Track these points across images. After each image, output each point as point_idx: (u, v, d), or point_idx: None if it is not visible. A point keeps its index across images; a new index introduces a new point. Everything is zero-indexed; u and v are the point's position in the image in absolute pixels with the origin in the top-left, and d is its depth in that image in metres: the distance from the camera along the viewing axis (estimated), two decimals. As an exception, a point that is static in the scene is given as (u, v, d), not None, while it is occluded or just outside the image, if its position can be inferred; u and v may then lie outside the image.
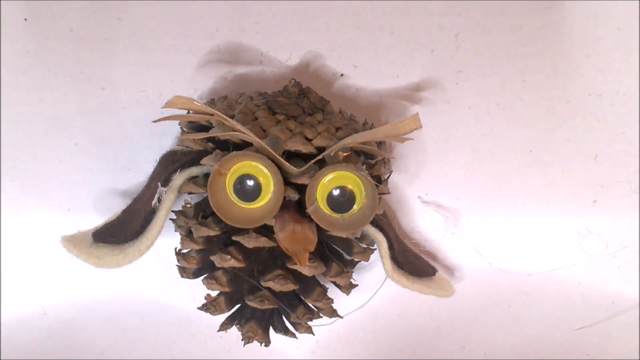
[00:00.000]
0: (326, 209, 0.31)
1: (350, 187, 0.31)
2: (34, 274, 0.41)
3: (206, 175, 0.33)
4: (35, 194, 0.40)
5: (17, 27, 0.38)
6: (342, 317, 0.37)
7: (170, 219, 0.35)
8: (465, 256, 0.42)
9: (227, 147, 0.32)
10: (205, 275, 0.35)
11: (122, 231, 0.34)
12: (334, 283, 0.36)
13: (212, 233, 0.33)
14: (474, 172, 0.41)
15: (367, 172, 0.31)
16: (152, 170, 0.36)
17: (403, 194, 0.41)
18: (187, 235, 0.34)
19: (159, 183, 0.33)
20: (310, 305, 0.35)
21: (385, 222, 0.36)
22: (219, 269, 0.34)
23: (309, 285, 0.34)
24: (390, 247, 0.35)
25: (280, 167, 0.30)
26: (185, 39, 0.38)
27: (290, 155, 0.32)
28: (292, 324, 0.36)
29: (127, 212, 0.35)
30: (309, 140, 0.32)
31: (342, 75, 0.40)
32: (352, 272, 0.36)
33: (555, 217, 0.42)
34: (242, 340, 0.35)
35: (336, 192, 0.31)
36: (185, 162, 0.33)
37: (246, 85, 0.39)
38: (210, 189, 0.30)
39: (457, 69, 0.40)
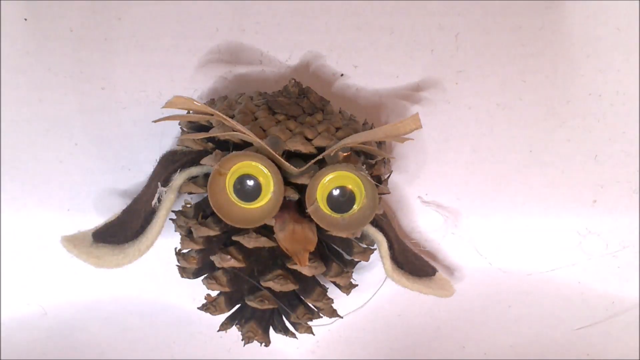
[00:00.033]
0: (326, 209, 0.31)
1: (350, 187, 0.31)
2: (34, 274, 0.41)
3: (206, 175, 0.33)
4: (35, 194, 0.40)
5: (17, 27, 0.38)
6: (342, 317, 0.37)
7: (170, 219, 0.35)
8: (465, 256, 0.42)
9: (227, 147, 0.32)
10: (205, 275, 0.35)
11: (122, 231, 0.34)
12: (334, 283, 0.36)
13: (212, 233, 0.33)
14: (474, 172, 0.41)
15: (367, 172, 0.31)
16: (152, 170, 0.36)
17: (403, 194, 0.41)
18: (187, 235, 0.34)
19: (159, 183, 0.33)
20: (310, 305, 0.35)
21: (385, 222, 0.36)
22: (219, 269, 0.34)
23: (309, 285, 0.34)
24: (390, 247, 0.35)
25: (280, 167, 0.30)
26: (185, 39, 0.38)
27: (290, 155, 0.32)
28: (292, 324, 0.36)
29: (127, 212, 0.35)
30: (309, 140, 0.32)
31: (342, 75, 0.40)
32: (352, 272, 0.36)
33: (555, 217, 0.42)
34: (242, 340, 0.35)
35: (336, 192, 0.31)
36: (185, 162, 0.33)
37: (246, 85, 0.39)
38: (210, 189, 0.30)
39: (457, 69, 0.40)
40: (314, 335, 0.36)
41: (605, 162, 0.41)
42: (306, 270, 0.33)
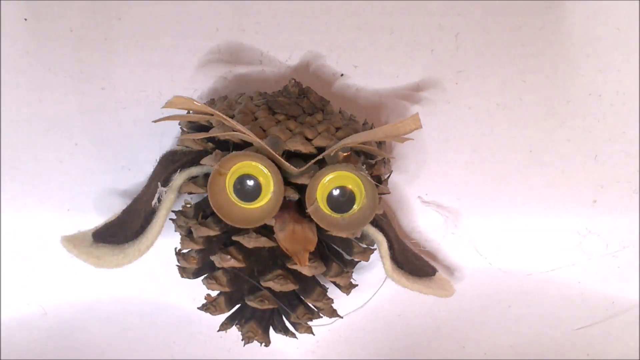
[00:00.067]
0: (326, 209, 0.31)
1: (350, 187, 0.31)
2: (34, 274, 0.41)
3: (206, 175, 0.33)
4: (35, 194, 0.40)
5: (17, 27, 0.38)
6: (342, 317, 0.37)
7: (170, 219, 0.35)
8: (465, 256, 0.42)
9: (227, 147, 0.32)
10: (205, 275, 0.35)
11: (122, 231, 0.34)
12: (334, 283, 0.36)
13: (212, 233, 0.33)
14: (474, 172, 0.41)
15: (367, 172, 0.31)
16: (152, 170, 0.36)
17: (403, 194, 0.41)
18: (187, 235, 0.34)
19: (159, 183, 0.33)
20: (310, 305, 0.35)
21: (385, 222, 0.36)
22: (219, 269, 0.34)
23: (309, 285, 0.34)
24: (390, 247, 0.35)
25: (280, 167, 0.30)
26: (185, 39, 0.38)
27: (290, 155, 0.32)
28: (292, 324, 0.36)
29: (127, 212, 0.35)
30: (309, 140, 0.32)
31: (342, 75, 0.40)
32: (352, 272, 0.36)
33: (555, 217, 0.42)
34: (242, 340, 0.35)
35: (336, 192, 0.31)
36: (185, 162, 0.33)
37: (246, 85, 0.39)
38: (210, 189, 0.30)
39: (457, 69, 0.40)
40: (314, 335, 0.36)
41: (605, 162, 0.41)
42: (306, 270, 0.33)
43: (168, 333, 0.44)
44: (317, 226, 0.31)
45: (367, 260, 0.36)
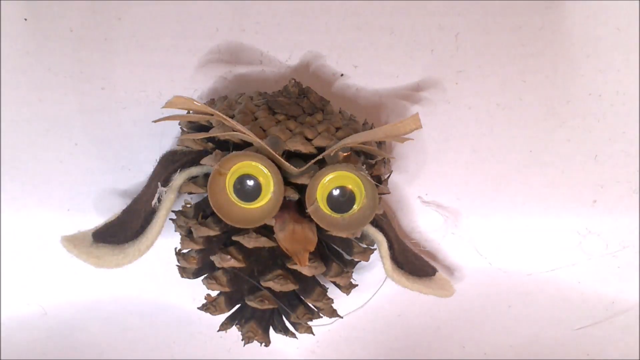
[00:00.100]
0: (326, 209, 0.31)
1: (350, 187, 0.31)
2: (34, 274, 0.41)
3: (206, 175, 0.33)
4: (35, 194, 0.40)
5: (17, 27, 0.38)
6: (342, 317, 0.37)
7: (170, 219, 0.35)
8: (465, 256, 0.42)
9: (227, 147, 0.32)
10: (205, 275, 0.35)
11: (122, 231, 0.34)
12: (334, 283, 0.36)
13: (212, 233, 0.33)
14: (474, 172, 0.41)
15: (367, 172, 0.31)
16: (152, 170, 0.36)
17: (403, 194, 0.41)
18: (187, 235, 0.34)
19: (159, 183, 0.33)
20: (310, 305, 0.35)
21: (385, 222, 0.36)
22: (219, 269, 0.34)
23: (309, 285, 0.34)
24: (390, 247, 0.35)
25: (280, 167, 0.30)
26: (185, 39, 0.38)
27: (290, 155, 0.32)
28: (292, 324, 0.36)
29: (127, 212, 0.35)
30: (309, 140, 0.32)
31: (342, 75, 0.40)
32: (352, 272, 0.36)
33: (555, 217, 0.42)
34: (242, 340, 0.35)
35: (336, 192, 0.31)
36: (185, 162, 0.33)
37: (246, 85, 0.39)
38: (210, 189, 0.30)
39: (457, 69, 0.40)
40: (314, 335, 0.36)
41: (605, 162, 0.41)
42: (306, 270, 0.33)
43: (168, 333, 0.44)
44: (317, 226, 0.31)
45: (367, 260, 0.36)
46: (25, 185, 0.40)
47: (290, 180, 0.31)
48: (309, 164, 0.30)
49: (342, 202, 0.31)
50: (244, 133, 0.30)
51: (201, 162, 0.32)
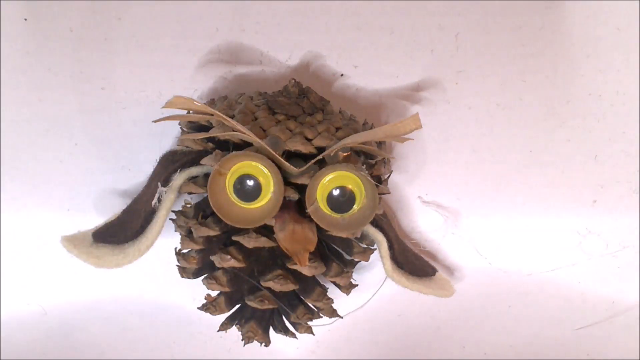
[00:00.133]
0: (326, 209, 0.31)
1: (350, 187, 0.31)
2: (34, 274, 0.41)
3: (206, 175, 0.33)
4: (35, 194, 0.40)
5: (17, 27, 0.38)
6: (342, 317, 0.37)
7: (170, 219, 0.35)
8: (465, 256, 0.42)
9: (227, 147, 0.32)
10: (205, 275, 0.35)
11: (122, 231, 0.34)
12: (334, 283, 0.36)
13: (212, 233, 0.33)
14: (474, 172, 0.41)
15: (367, 172, 0.31)
16: (152, 170, 0.36)
17: (403, 194, 0.41)
18: (187, 235, 0.34)
19: (159, 183, 0.33)
20: (310, 305, 0.35)
21: (385, 222, 0.36)
22: (219, 269, 0.34)
23: (309, 285, 0.34)
24: (390, 247, 0.35)
25: (280, 167, 0.30)
26: (185, 39, 0.38)
27: (290, 155, 0.32)
28: (292, 324, 0.36)
29: (127, 212, 0.35)
30: (309, 140, 0.32)
31: (342, 75, 0.40)
32: (352, 272, 0.36)
33: (555, 217, 0.42)
34: (242, 340, 0.35)
35: (336, 192, 0.31)
36: (185, 162, 0.33)
37: (246, 85, 0.39)
38: (210, 189, 0.30)
39: (457, 69, 0.40)
40: (314, 335, 0.36)
41: (605, 162, 0.41)
42: (306, 270, 0.33)
43: (168, 333, 0.44)
44: (317, 226, 0.31)
45: (367, 260, 0.36)
46: (25, 185, 0.40)
47: (290, 180, 0.31)
48: (309, 164, 0.30)
49: (342, 202, 0.31)
50: (244, 133, 0.30)
51: (201, 162, 0.32)
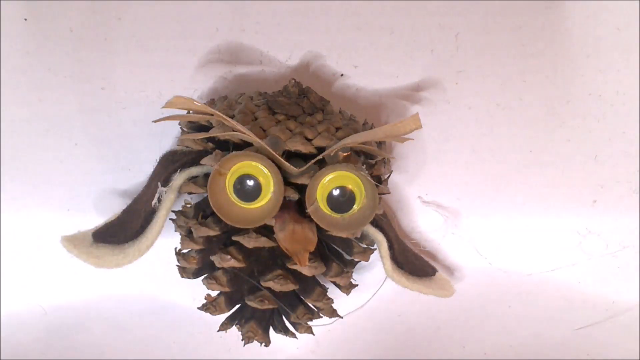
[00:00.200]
0: (326, 209, 0.31)
1: (350, 187, 0.31)
2: (34, 274, 0.41)
3: (206, 175, 0.33)
4: (35, 194, 0.40)
5: (17, 27, 0.38)
6: (342, 317, 0.37)
7: (170, 219, 0.35)
8: (465, 256, 0.42)
9: (227, 147, 0.32)
10: (205, 275, 0.35)
11: (122, 231, 0.34)
12: (334, 283, 0.36)
13: (212, 233, 0.33)
14: (474, 172, 0.41)
15: (367, 172, 0.31)
16: (152, 170, 0.36)
17: (403, 194, 0.41)
18: (187, 235, 0.34)
19: (159, 183, 0.33)
20: (310, 305, 0.35)
21: (385, 222, 0.36)
22: (219, 269, 0.34)
23: (309, 285, 0.34)
24: (390, 247, 0.35)
25: (280, 167, 0.30)
26: (185, 39, 0.38)
27: (290, 155, 0.32)
28: (292, 324, 0.36)
29: (127, 212, 0.35)
30: (309, 140, 0.32)
31: (342, 75, 0.40)
32: (352, 272, 0.36)
33: (555, 217, 0.42)
34: (242, 340, 0.35)
35: (336, 192, 0.31)
36: (185, 162, 0.33)
37: (246, 85, 0.39)
38: (210, 189, 0.30)
39: (457, 69, 0.40)
40: (314, 335, 0.36)
41: (605, 162, 0.41)
42: (306, 270, 0.33)
43: (168, 333, 0.44)
44: (317, 226, 0.31)
45: (367, 260, 0.36)
46: (25, 185, 0.40)
47: (290, 180, 0.31)
48: (309, 164, 0.30)
49: (342, 202, 0.31)
50: (244, 133, 0.30)
51: (201, 162, 0.32)
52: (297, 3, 0.39)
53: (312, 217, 0.31)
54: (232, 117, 0.33)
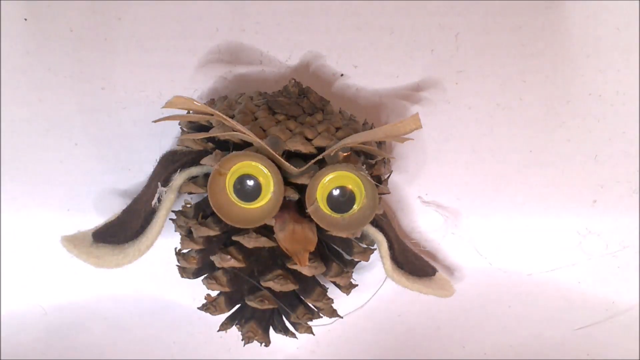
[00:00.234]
0: (326, 209, 0.31)
1: (350, 187, 0.31)
2: (34, 274, 0.41)
3: (206, 175, 0.33)
4: (35, 194, 0.40)
5: (17, 27, 0.38)
6: (342, 317, 0.37)
7: (170, 219, 0.35)
8: (465, 256, 0.42)
9: (227, 147, 0.32)
10: (205, 275, 0.35)
11: (122, 231, 0.34)
12: (334, 283, 0.36)
13: (212, 233, 0.33)
14: (474, 172, 0.41)
15: (367, 172, 0.31)
16: (152, 170, 0.36)
17: (403, 194, 0.41)
18: (187, 235, 0.34)
19: (159, 183, 0.33)
20: (310, 305, 0.35)
21: (385, 222, 0.36)
22: (219, 269, 0.34)
23: (309, 285, 0.34)
24: (390, 247, 0.35)
25: (280, 167, 0.30)
26: (185, 39, 0.38)
27: (290, 155, 0.32)
28: (292, 324, 0.36)
29: (127, 212, 0.35)
30: (309, 140, 0.32)
31: (342, 75, 0.40)
32: (352, 272, 0.36)
33: (555, 217, 0.42)
34: (242, 340, 0.35)
35: (336, 192, 0.31)
36: (185, 162, 0.33)
37: (246, 85, 0.39)
38: (210, 189, 0.30)
39: (457, 69, 0.40)
40: (314, 335, 0.36)
41: (605, 162, 0.41)
42: (306, 270, 0.33)
43: (168, 333, 0.44)
44: (317, 226, 0.31)
45: (367, 260, 0.36)
46: (25, 185, 0.40)
47: (290, 180, 0.31)
48: (309, 164, 0.30)
49: (342, 202, 0.31)
50: (244, 133, 0.30)
51: (201, 162, 0.32)
52: (297, 3, 0.39)
53: (312, 217, 0.31)
54: (232, 117, 0.33)
